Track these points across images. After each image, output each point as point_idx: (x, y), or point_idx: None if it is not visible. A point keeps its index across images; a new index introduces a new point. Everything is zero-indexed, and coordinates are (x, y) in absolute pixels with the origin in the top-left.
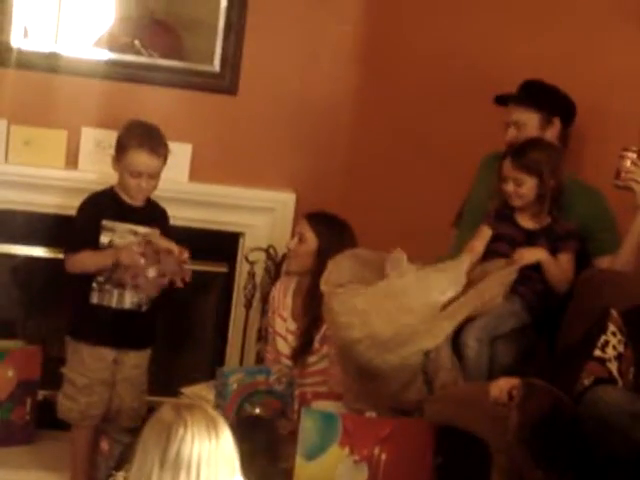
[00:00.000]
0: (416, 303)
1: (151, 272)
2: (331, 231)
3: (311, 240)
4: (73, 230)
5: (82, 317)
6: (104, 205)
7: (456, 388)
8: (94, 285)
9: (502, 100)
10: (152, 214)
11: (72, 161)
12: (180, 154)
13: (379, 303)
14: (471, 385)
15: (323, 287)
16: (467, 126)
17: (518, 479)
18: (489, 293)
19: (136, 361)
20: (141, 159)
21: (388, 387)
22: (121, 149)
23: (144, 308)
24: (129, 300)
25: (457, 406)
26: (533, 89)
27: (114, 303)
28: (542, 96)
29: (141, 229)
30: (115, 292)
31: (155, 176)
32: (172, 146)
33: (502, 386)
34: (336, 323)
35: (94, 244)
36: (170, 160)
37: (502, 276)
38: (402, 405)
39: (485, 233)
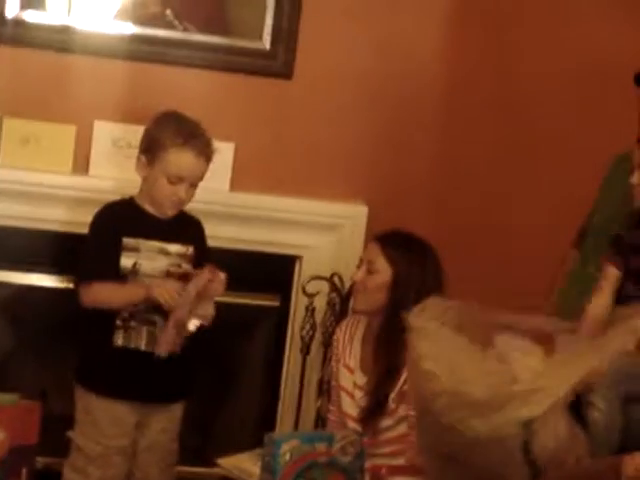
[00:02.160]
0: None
1: (192, 325)
2: (410, 259)
3: (384, 270)
4: (87, 252)
5: (100, 363)
6: (124, 218)
7: (578, 467)
8: (118, 322)
9: None
10: (185, 228)
11: (82, 164)
12: (219, 156)
13: (476, 359)
14: (599, 462)
15: (412, 319)
16: (590, 123)
17: None
18: (614, 346)
19: (165, 424)
20: (186, 161)
21: (475, 466)
22: (156, 148)
23: (178, 348)
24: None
25: None
26: None
27: (143, 345)
28: None
29: (173, 247)
30: (144, 330)
31: (197, 184)
32: (217, 145)
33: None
34: (418, 369)
35: (114, 269)
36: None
37: (631, 325)
38: None
39: (610, 274)
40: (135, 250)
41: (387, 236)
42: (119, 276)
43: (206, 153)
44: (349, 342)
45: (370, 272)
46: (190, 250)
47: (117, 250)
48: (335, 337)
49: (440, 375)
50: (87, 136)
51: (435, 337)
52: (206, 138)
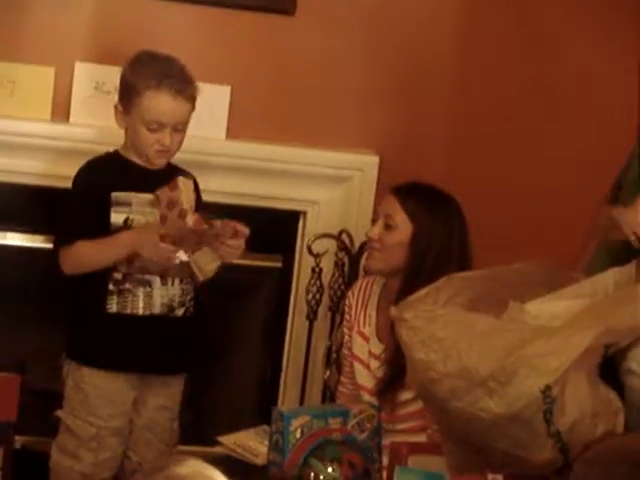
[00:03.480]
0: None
1: (182, 255)
2: (433, 213)
3: (403, 226)
4: (67, 214)
5: (93, 333)
6: (111, 172)
7: (619, 440)
8: (110, 287)
9: None
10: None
11: (62, 111)
12: (214, 101)
13: (471, 334)
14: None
15: (393, 311)
16: (622, 60)
17: None
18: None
19: (163, 400)
20: (163, 104)
21: (497, 449)
22: (131, 93)
23: (179, 312)
24: (159, 301)
25: (626, 466)
26: None
27: (140, 309)
28: None
29: None
30: (141, 293)
31: (182, 128)
32: (204, 89)
33: None
34: (411, 360)
35: (100, 228)
36: (199, 110)
37: None
38: (529, 470)
39: None
40: (126, 204)
41: (407, 188)
42: (108, 235)
43: (186, 92)
44: (363, 307)
45: (388, 228)
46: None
47: (106, 207)
48: (347, 302)
49: (435, 361)
50: (67, 79)
51: (415, 322)
52: (185, 75)
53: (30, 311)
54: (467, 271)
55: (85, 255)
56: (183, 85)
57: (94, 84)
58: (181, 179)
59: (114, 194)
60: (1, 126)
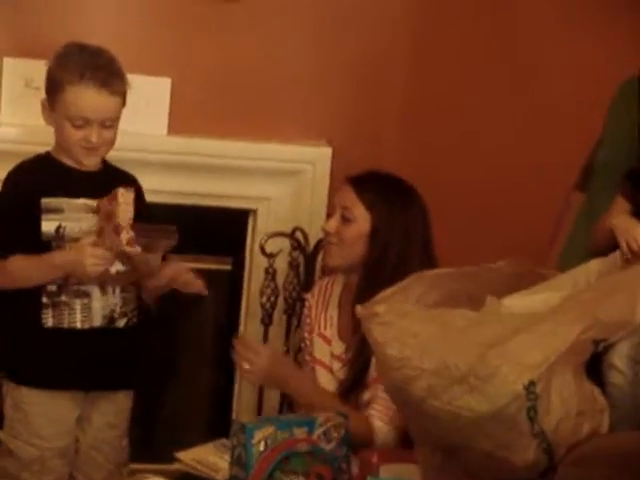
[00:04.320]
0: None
1: (118, 265)
2: (391, 203)
3: (361, 218)
4: None
5: (29, 350)
6: (40, 176)
7: (603, 440)
8: (44, 300)
9: None
10: (116, 181)
11: None
12: (154, 95)
13: (448, 328)
14: (627, 435)
15: (359, 310)
16: (588, 44)
17: None
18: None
19: (111, 417)
20: (86, 99)
21: (478, 453)
22: (55, 88)
23: (120, 323)
24: (100, 312)
25: (610, 469)
26: None
27: (79, 322)
28: None
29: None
30: (78, 305)
31: (110, 124)
32: (142, 82)
33: None
34: (383, 358)
35: (32, 240)
36: (138, 104)
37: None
38: (511, 473)
39: (621, 207)
40: (57, 211)
41: (363, 178)
42: (40, 244)
43: (112, 86)
44: (323, 308)
45: (345, 220)
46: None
47: (37, 214)
48: (306, 304)
49: (410, 358)
50: None
51: (386, 317)
52: (113, 68)
53: None
54: (431, 264)
55: (17, 274)
56: (109, 78)
57: (24, 80)
58: (121, 191)
59: (44, 200)
60: None
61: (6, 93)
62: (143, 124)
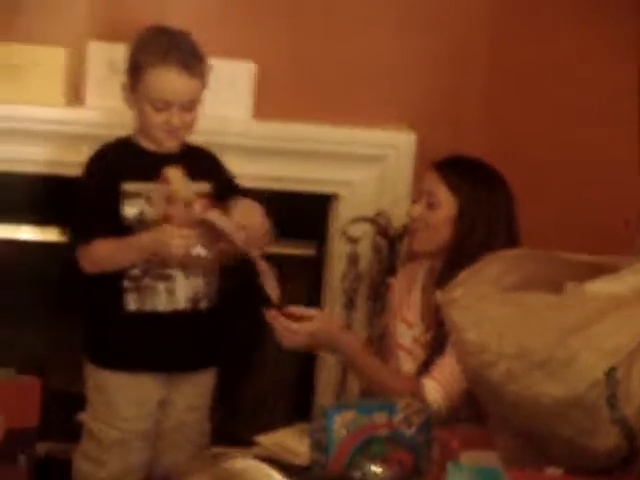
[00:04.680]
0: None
1: (200, 249)
2: (477, 187)
3: (447, 203)
4: (81, 208)
5: (112, 333)
6: (120, 161)
7: None
8: (126, 283)
9: None
10: (195, 162)
11: (75, 94)
12: (238, 79)
13: (528, 312)
14: None
15: (439, 296)
16: None
17: None
18: None
19: (192, 400)
20: (167, 81)
21: (557, 439)
22: (136, 71)
23: (203, 305)
24: (183, 295)
25: None
26: None
27: (163, 305)
28: None
29: None
30: (161, 288)
31: (191, 107)
32: (227, 66)
33: None
34: (461, 343)
35: (114, 224)
36: (222, 88)
37: None
38: (593, 460)
39: None
40: (138, 196)
41: (448, 163)
42: (122, 229)
43: (192, 67)
44: (407, 292)
45: (431, 206)
46: (207, 187)
47: (117, 199)
48: (391, 288)
49: (488, 342)
50: (79, 60)
51: (465, 300)
52: (194, 50)
53: (47, 309)
54: (514, 248)
55: (103, 257)
56: (190, 60)
57: (108, 64)
58: (168, 170)
59: (125, 185)
60: (10, 112)
61: (91, 77)
62: (228, 108)
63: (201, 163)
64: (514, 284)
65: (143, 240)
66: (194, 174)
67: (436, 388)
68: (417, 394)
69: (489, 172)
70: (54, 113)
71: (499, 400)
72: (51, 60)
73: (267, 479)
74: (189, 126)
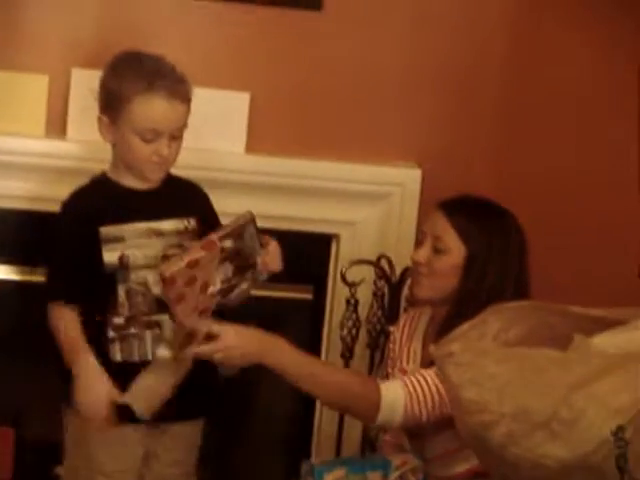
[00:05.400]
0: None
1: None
2: (487, 230)
3: (455, 249)
4: (57, 257)
5: None
6: (97, 204)
7: None
8: (111, 334)
9: None
10: (179, 197)
11: (57, 125)
12: (231, 110)
13: (529, 368)
14: None
15: (432, 350)
16: None
17: None
18: None
19: (178, 453)
20: (157, 109)
21: None
22: (117, 101)
23: None
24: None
25: None
26: None
27: (150, 354)
28: None
29: (166, 225)
30: (148, 336)
31: (179, 134)
32: (219, 97)
33: None
34: (459, 401)
35: (94, 272)
36: (215, 120)
37: None
38: None
39: None
40: (119, 240)
41: (456, 204)
42: (103, 277)
43: (180, 93)
44: (407, 341)
45: (437, 251)
46: (191, 223)
47: (96, 246)
48: (391, 337)
49: (488, 401)
50: (62, 88)
51: (463, 356)
52: (176, 74)
53: (24, 355)
54: (525, 296)
55: (55, 330)
56: (176, 85)
57: (92, 93)
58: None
59: (104, 230)
60: None
61: (74, 107)
62: (220, 141)
63: (186, 197)
64: (517, 338)
65: (77, 368)
66: (178, 209)
67: (400, 385)
68: (374, 390)
69: (500, 213)
70: (34, 146)
71: (500, 462)
72: (32, 88)
73: None
74: (176, 155)
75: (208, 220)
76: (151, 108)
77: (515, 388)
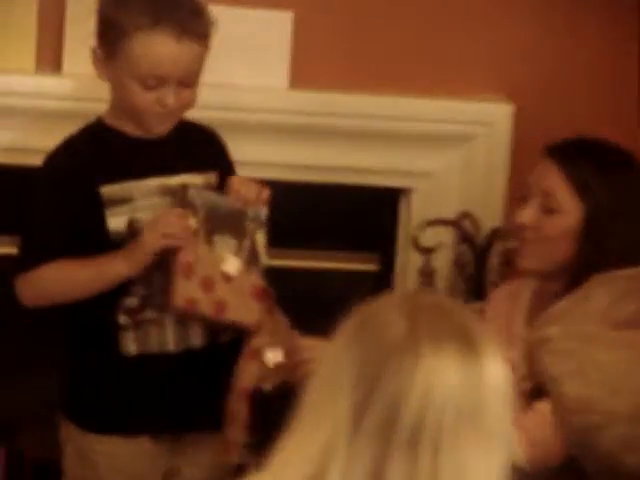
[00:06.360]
0: None
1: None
2: (612, 184)
3: (571, 208)
4: (34, 224)
5: (103, 386)
6: (93, 157)
7: None
8: (122, 319)
9: None
10: (193, 145)
11: (50, 59)
12: (270, 34)
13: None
14: None
15: (525, 335)
16: None
17: None
18: None
19: (202, 470)
20: (162, 50)
21: None
22: (114, 34)
23: (224, 338)
24: (198, 327)
25: None
26: None
27: (172, 344)
28: None
29: (178, 180)
30: (169, 322)
31: (191, 81)
32: (254, 18)
33: None
34: (560, 398)
35: (99, 239)
36: (247, 47)
37: None
38: None
39: None
40: (126, 201)
41: (570, 151)
42: (109, 247)
43: (193, 29)
44: (504, 325)
45: (547, 210)
46: (212, 179)
47: (97, 208)
48: (487, 311)
49: (596, 397)
50: (57, 14)
51: (573, 347)
52: (192, 6)
53: (17, 354)
54: None
55: (54, 281)
56: (191, 19)
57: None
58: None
59: (106, 189)
60: None
61: (71, 34)
62: (256, 75)
63: (202, 146)
64: (631, 317)
65: (114, 262)
66: (193, 161)
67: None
68: None
69: (628, 162)
70: (22, 83)
71: (613, 471)
72: (18, 14)
73: None
74: (188, 105)
75: (225, 176)
76: (155, 49)
77: (630, 382)
